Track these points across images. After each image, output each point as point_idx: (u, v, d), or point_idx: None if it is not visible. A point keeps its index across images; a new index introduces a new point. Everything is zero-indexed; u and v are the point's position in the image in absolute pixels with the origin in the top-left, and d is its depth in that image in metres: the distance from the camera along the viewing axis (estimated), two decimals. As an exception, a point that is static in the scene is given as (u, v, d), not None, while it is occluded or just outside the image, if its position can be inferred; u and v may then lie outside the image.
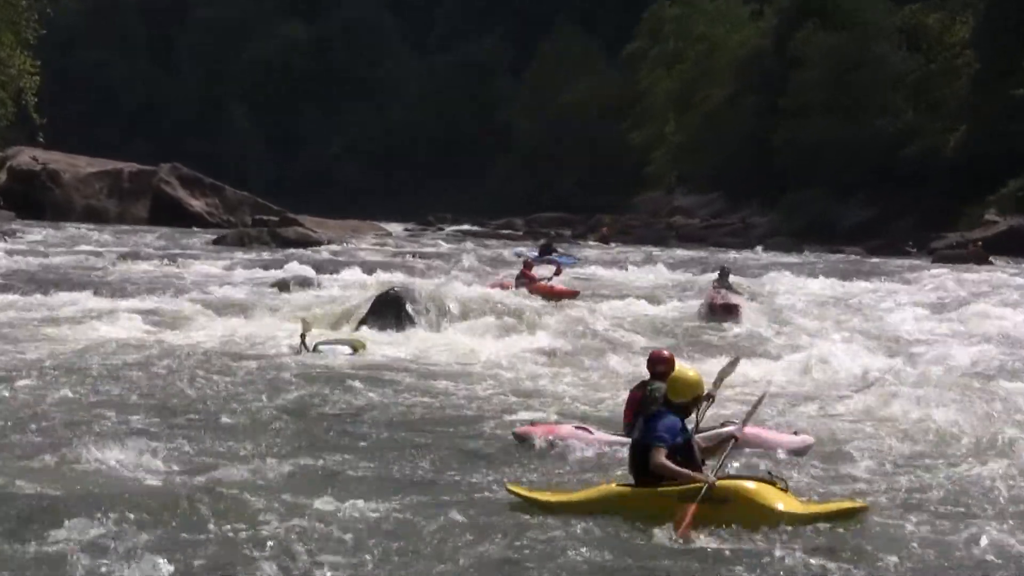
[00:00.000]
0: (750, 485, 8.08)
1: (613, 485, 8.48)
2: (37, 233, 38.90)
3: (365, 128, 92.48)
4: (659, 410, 8.48)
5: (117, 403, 12.02)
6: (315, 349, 15.91)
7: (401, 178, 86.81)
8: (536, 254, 34.05)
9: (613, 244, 48.44)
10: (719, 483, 8.02)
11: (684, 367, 9.25)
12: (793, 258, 40.65)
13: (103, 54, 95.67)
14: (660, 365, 10.66)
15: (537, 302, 20.95)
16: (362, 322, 18.77)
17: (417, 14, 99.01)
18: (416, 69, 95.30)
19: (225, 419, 11.38)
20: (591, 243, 49.08)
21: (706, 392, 8.81)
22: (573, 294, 23.27)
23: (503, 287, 22.80)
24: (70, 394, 12.36)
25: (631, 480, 8.46)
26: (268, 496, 8.50)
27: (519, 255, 33.49)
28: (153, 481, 8.93)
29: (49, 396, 12.23)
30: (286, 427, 11.23)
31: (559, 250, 36.46)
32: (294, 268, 26.96)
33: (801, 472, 9.82)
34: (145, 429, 10.80)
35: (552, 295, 22.49)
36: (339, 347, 16.13)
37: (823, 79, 54.77)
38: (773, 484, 8.09)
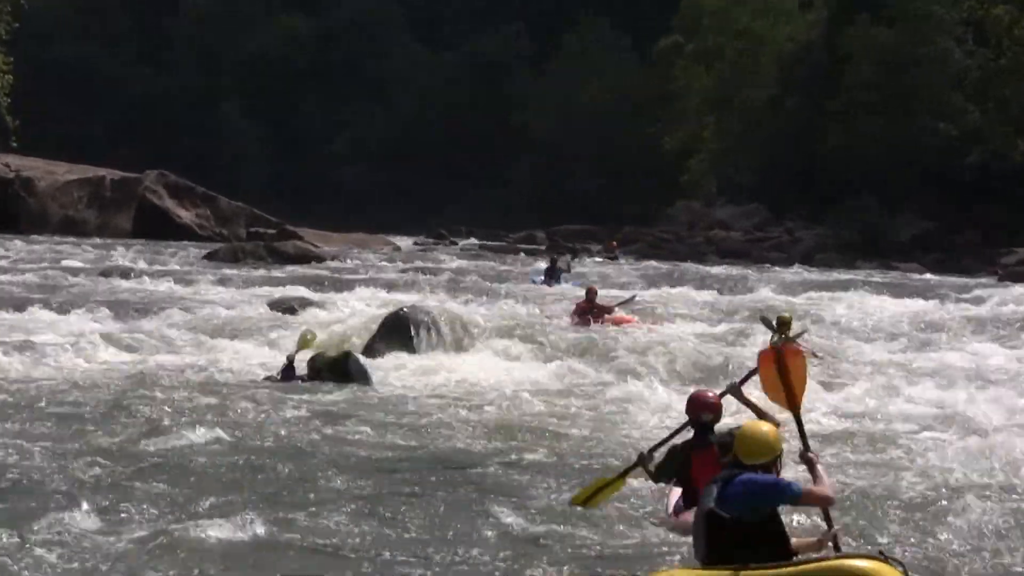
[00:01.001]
0: (863, 564, 7.16)
1: (676, 570, 7.64)
2: (7, 247, 38.61)
3: (370, 128, 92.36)
4: (734, 471, 7.48)
5: (86, 442, 11.62)
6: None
7: (408, 182, 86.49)
8: (543, 276, 33.61)
9: (623, 260, 47.79)
10: (824, 565, 7.15)
11: (755, 422, 8.00)
12: (845, 275, 40.11)
13: (88, 48, 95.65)
14: (706, 413, 9.68)
15: (557, 327, 20.62)
16: (368, 346, 18.53)
17: (427, 5, 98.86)
18: (426, 65, 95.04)
19: (202, 464, 10.92)
20: (597, 259, 48.37)
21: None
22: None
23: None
24: (29, 431, 11.99)
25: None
26: (248, 559, 8.15)
27: (535, 281, 32.92)
28: (119, 538, 8.52)
29: (5, 434, 11.81)
30: (273, 473, 10.72)
31: (564, 268, 35.67)
32: (292, 287, 26.74)
33: (901, 544, 8.86)
34: (115, 473, 10.36)
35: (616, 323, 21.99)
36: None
37: (877, 77, 54.22)
38: (886, 562, 7.22)
